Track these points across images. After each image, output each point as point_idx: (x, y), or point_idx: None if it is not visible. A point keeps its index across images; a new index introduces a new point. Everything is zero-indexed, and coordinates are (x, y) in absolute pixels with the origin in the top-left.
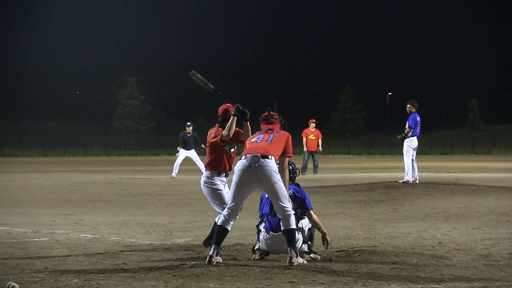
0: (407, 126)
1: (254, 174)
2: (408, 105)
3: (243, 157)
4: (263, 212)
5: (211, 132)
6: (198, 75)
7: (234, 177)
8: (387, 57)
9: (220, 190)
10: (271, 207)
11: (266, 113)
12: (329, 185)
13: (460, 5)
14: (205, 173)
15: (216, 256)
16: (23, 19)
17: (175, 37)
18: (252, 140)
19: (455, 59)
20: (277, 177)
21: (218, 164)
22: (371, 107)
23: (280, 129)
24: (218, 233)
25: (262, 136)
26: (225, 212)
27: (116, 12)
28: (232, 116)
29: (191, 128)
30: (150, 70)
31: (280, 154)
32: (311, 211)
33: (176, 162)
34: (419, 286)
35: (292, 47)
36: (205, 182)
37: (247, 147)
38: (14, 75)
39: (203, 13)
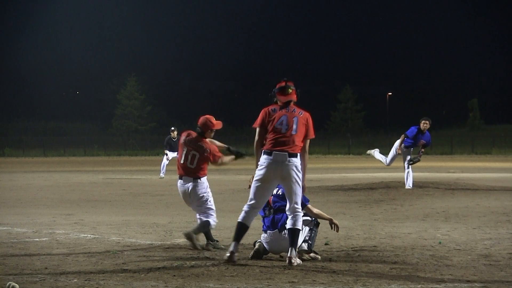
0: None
1: (280, 172)
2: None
3: (268, 151)
4: (262, 215)
5: (215, 147)
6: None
7: (259, 174)
8: (387, 57)
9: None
10: (264, 208)
11: (283, 83)
12: (329, 185)
13: (460, 5)
14: (202, 179)
15: (236, 252)
16: (23, 19)
17: (175, 37)
18: (276, 125)
19: (455, 59)
20: (298, 176)
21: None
22: (371, 107)
23: (296, 103)
24: (239, 230)
25: (285, 120)
26: (246, 208)
27: (116, 12)
28: (233, 158)
29: (175, 133)
30: (150, 70)
31: (303, 141)
32: (309, 205)
33: (162, 163)
34: (419, 286)
35: (292, 47)
36: (203, 188)
37: (272, 138)
38: (14, 75)
39: (203, 13)
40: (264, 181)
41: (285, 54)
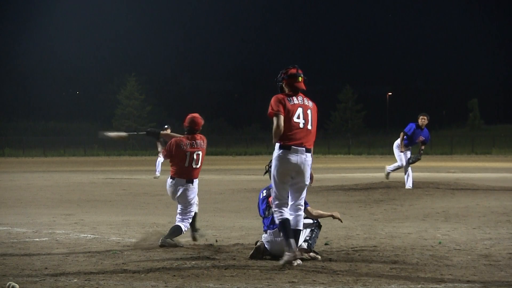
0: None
1: (297, 167)
2: (426, 117)
3: (286, 146)
4: (262, 215)
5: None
6: (105, 133)
7: (278, 168)
8: (387, 57)
9: None
10: (263, 209)
11: (295, 70)
12: (329, 185)
13: (460, 5)
14: (194, 183)
15: (297, 249)
16: (23, 19)
17: (175, 37)
18: (294, 119)
19: (455, 59)
20: (309, 175)
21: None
22: (371, 107)
23: (305, 93)
24: (285, 226)
25: (302, 113)
26: (276, 207)
27: (116, 12)
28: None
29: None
30: (150, 70)
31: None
32: (308, 208)
33: (157, 161)
34: (419, 286)
35: (292, 47)
36: (193, 193)
37: (289, 132)
38: (14, 75)
39: (203, 13)
40: (283, 176)
41: (285, 54)
